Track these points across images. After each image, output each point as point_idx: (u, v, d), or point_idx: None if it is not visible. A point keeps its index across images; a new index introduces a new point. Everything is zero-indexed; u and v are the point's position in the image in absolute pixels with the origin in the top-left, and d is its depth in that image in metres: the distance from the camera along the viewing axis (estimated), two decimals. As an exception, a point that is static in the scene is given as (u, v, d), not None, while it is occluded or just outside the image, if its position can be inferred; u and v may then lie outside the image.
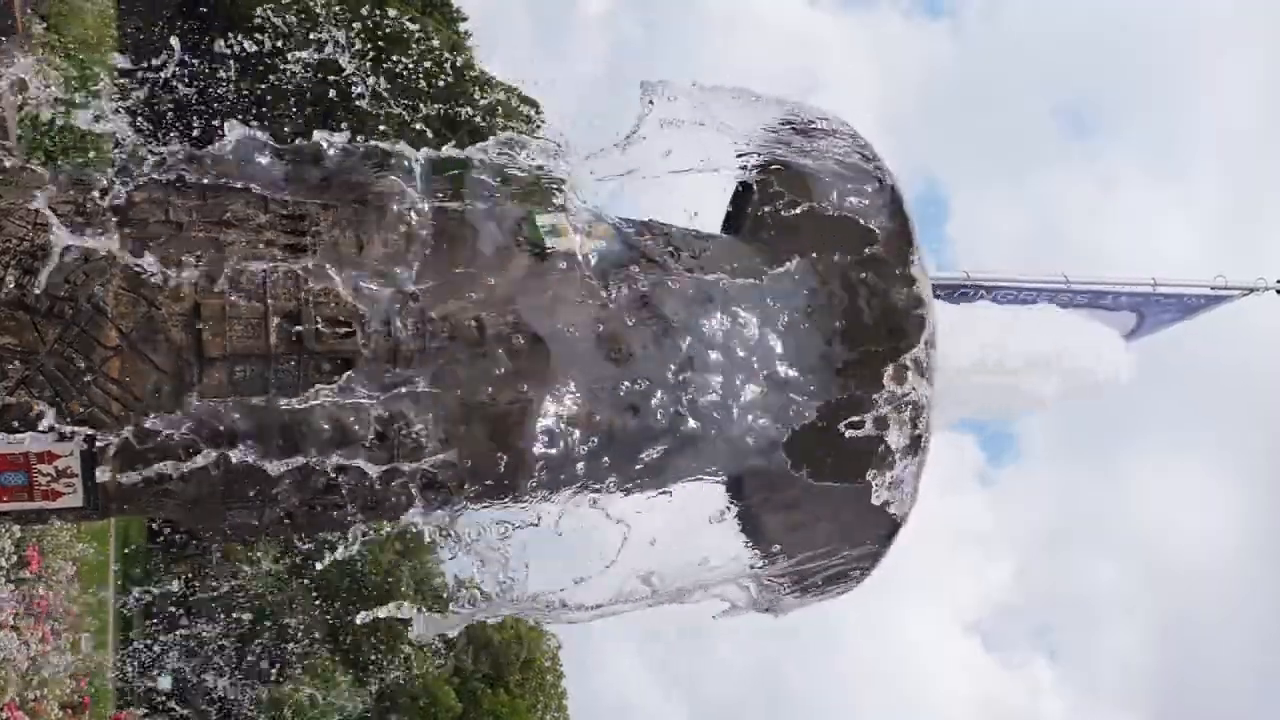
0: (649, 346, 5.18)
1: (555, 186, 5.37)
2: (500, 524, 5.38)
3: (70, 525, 15.85)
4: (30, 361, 4.53)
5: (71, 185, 4.95)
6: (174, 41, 6.66)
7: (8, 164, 4.90)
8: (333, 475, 4.96)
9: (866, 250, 5.36)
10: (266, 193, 5.08)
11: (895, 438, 5.07)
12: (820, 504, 5.68)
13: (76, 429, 4.59)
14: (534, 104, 34.63)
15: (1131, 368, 6.59)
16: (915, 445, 5.11)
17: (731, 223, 6.10)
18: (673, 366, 5.21)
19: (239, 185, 5.07)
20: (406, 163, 5.24)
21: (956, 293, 6.56)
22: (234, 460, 4.81)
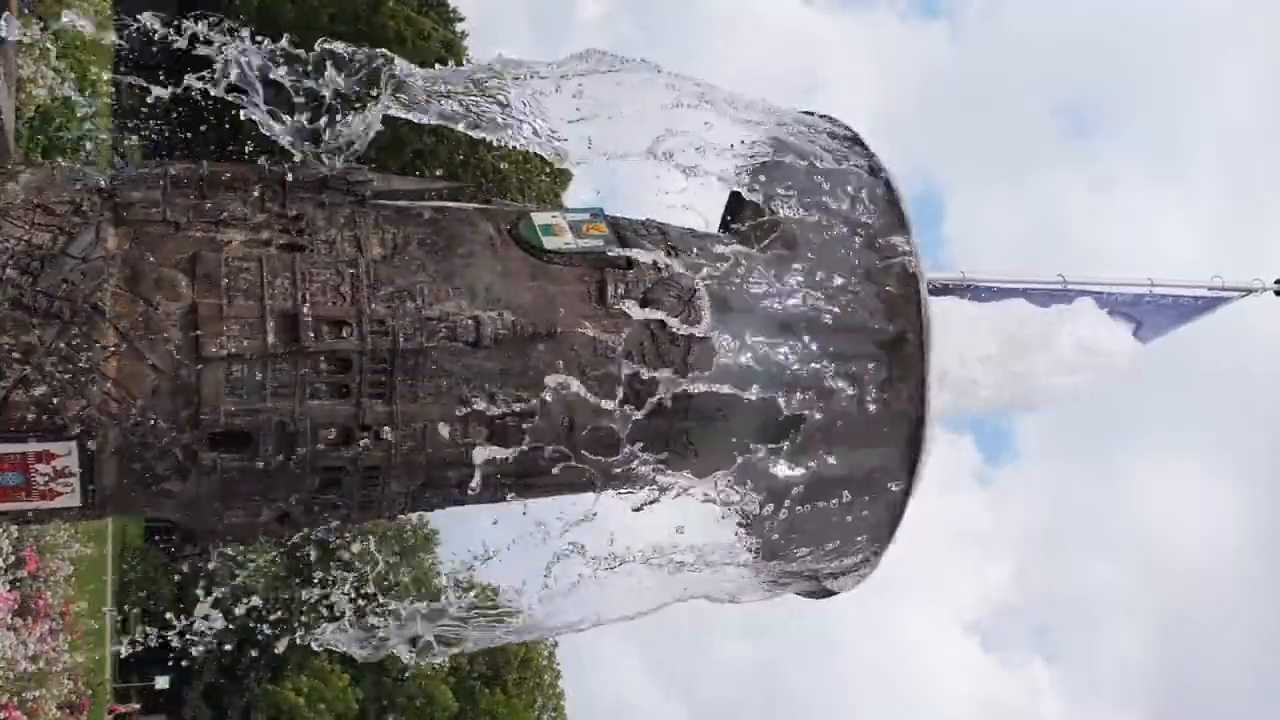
0: (645, 343, 5.17)
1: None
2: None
3: (68, 525, 15.83)
4: (29, 361, 4.53)
5: (70, 185, 4.95)
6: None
7: (6, 164, 4.89)
8: (330, 474, 4.97)
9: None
10: (264, 192, 5.09)
11: None
12: None
13: (74, 428, 4.60)
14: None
15: (1137, 356, 6.57)
16: None
17: (728, 222, 6.10)
18: (675, 362, 5.20)
19: (237, 185, 5.08)
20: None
21: (950, 290, 6.54)
22: (231, 460, 4.82)
